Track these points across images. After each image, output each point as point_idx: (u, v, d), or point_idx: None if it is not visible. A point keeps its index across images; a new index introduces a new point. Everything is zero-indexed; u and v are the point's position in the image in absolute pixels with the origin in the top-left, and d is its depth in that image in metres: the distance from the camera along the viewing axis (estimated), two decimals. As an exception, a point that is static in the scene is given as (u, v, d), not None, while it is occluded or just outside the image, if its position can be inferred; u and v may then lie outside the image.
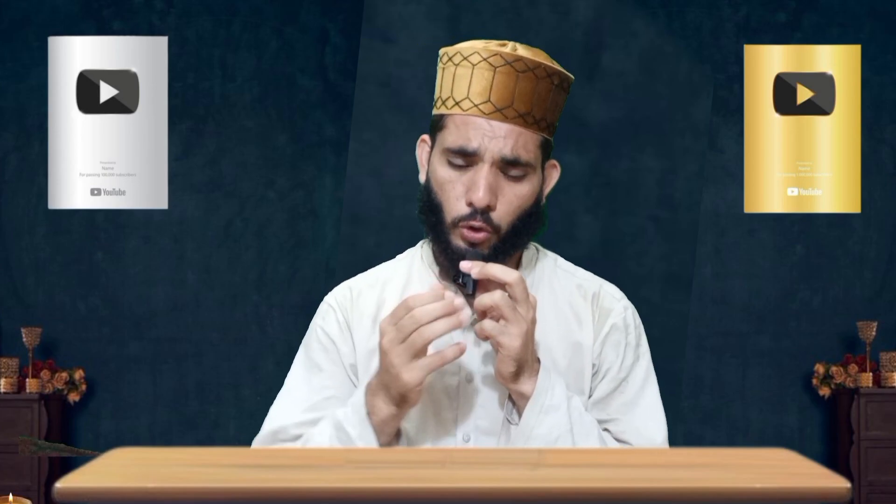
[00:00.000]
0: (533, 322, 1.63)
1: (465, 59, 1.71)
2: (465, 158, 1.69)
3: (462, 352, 1.59)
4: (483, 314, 1.63)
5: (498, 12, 4.79)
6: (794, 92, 3.98)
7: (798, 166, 3.99)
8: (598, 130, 4.84)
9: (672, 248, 4.95)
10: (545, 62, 1.72)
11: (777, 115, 3.99)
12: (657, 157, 4.95)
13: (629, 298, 1.82)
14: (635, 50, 4.88)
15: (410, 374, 1.58)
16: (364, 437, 1.62)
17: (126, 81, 3.89)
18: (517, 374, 1.63)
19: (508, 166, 1.69)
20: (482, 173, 1.67)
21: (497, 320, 1.61)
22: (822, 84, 3.98)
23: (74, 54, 3.90)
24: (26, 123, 5.71)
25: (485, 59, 1.69)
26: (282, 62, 5.78)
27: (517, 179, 1.70)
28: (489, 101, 1.68)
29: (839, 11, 5.77)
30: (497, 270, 1.63)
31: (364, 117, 4.78)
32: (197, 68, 5.75)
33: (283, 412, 1.74)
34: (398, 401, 1.60)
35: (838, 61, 3.99)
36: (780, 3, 5.79)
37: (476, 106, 1.68)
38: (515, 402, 1.67)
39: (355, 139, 4.81)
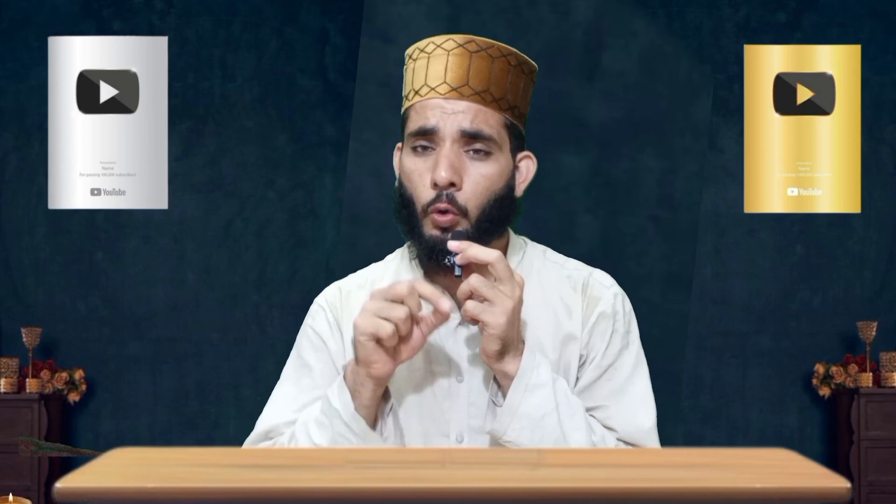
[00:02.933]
0: (519, 301, 1.62)
1: (421, 51, 1.74)
2: (427, 138, 1.69)
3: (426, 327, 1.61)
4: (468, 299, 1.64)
5: (498, 12, 4.79)
6: (794, 92, 3.98)
7: (798, 166, 3.99)
8: (598, 130, 4.84)
9: (672, 248, 4.95)
10: (500, 44, 1.73)
11: (777, 115, 3.99)
12: (657, 157, 4.95)
13: (629, 298, 1.82)
14: (635, 50, 4.88)
15: (363, 317, 1.60)
16: (340, 396, 1.63)
17: (126, 81, 3.89)
18: (502, 354, 1.62)
19: (472, 141, 1.69)
20: (443, 152, 1.68)
21: (481, 302, 1.62)
22: (822, 84, 3.98)
23: (74, 54, 3.90)
24: (26, 123, 5.71)
25: (439, 46, 1.72)
26: (282, 62, 5.78)
27: (482, 158, 1.70)
28: (445, 82, 1.70)
29: (839, 11, 5.77)
30: (477, 251, 1.63)
31: (364, 117, 4.78)
32: (197, 68, 5.75)
33: (274, 412, 1.76)
34: (357, 354, 1.62)
35: (838, 61, 3.99)
36: (780, 3, 5.79)
37: (433, 89, 1.70)
38: (500, 384, 1.67)
39: (355, 139, 4.81)
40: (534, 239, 1.84)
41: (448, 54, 1.70)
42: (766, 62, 3.99)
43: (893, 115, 5.79)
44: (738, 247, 5.78)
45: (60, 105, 3.89)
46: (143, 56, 3.91)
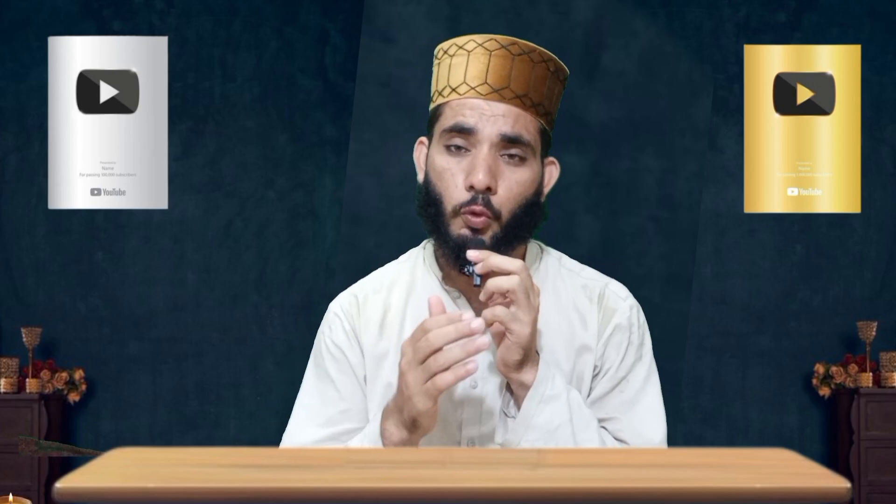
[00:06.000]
0: (538, 311, 1.61)
1: (460, 48, 1.71)
2: (463, 137, 1.67)
3: (469, 372, 1.56)
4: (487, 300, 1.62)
5: (498, 12, 4.80)
6: (794, 92, 3.98)
7: (798, 166, 3.99)
8: (598, 130, 4.84)
9: (672, 248, 4.95)
10: (541, 49, 1.71)
11: (777, 115, 3.99)
12: (657, 157, 4.95)
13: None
14: (635, 50, 4.88)
15: (421, 398, 1.56)
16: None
17: (126, 81, 3.89)
18: (522, 363, 1.61)
19: (509, 146, 1.67)
20: (481, 155, 1.65)
21: (508, 306, 1.60)
22: (822, 84, 3.98)
23: (74, 54, 3.89)
24: (26, 123, 5.71)
25: (480, 45, 1.69)
26: (282, 62, 5.77)
27: (518, 163, 1.68)
28: (486, 82, 1.67)
29: (839, 11, 5.77)
30: (500, 261, 1.61)
31: (364, 117, 4.78)
32: (197, 68, 5.75)
33: (301, 430, 1.74)
34: (409, 425, 1.58)
35: (838, 61, 3.99)
36: (780, 3, 5.79)
37: (473, 88, 1.67)
38: (514, 393, 1.66)
39: (355, 139, 4.81)
40: (534, 236, 1.84)
41: (490, 54, 1.67)
42: (766, 62, 3.98)
43: (893, 115, 5.79)
44: (738, 247, 5.78)
45: (60, 105, 3.89)
46: (143, 56, 3.90)
